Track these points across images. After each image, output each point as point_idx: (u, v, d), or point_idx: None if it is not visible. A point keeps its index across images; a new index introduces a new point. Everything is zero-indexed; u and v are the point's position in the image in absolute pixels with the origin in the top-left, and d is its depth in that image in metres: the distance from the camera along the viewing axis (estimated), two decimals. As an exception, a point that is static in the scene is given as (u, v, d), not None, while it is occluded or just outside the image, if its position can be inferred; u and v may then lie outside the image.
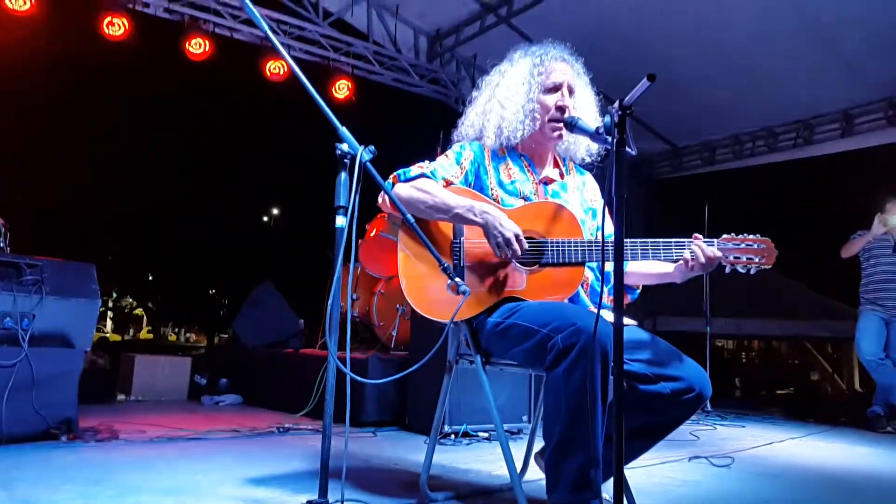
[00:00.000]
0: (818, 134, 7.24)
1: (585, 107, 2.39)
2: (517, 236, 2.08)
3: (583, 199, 2.46)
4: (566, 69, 2.36)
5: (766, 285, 9.22)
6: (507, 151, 2.39)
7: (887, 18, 5.39)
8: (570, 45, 2.45)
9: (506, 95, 2.37)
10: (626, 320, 1.92)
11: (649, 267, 2.29)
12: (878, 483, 3.31)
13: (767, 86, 6.65)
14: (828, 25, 5.64)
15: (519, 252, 2.09)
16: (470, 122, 2.46)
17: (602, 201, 2.41)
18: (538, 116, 2.31)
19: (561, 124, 2.29)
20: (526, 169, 2.38)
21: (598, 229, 2.38)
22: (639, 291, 2.41)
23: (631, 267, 2.30)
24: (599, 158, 2.46)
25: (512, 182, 2.32)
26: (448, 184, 2.27)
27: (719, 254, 2.08)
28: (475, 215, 2.12)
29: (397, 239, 2.27)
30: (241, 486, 2.55)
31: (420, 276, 2.21)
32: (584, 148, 2.46)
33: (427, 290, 2.20)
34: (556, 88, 2.32)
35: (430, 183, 2.22)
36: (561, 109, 2.30)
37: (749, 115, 7.42)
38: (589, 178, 2.56)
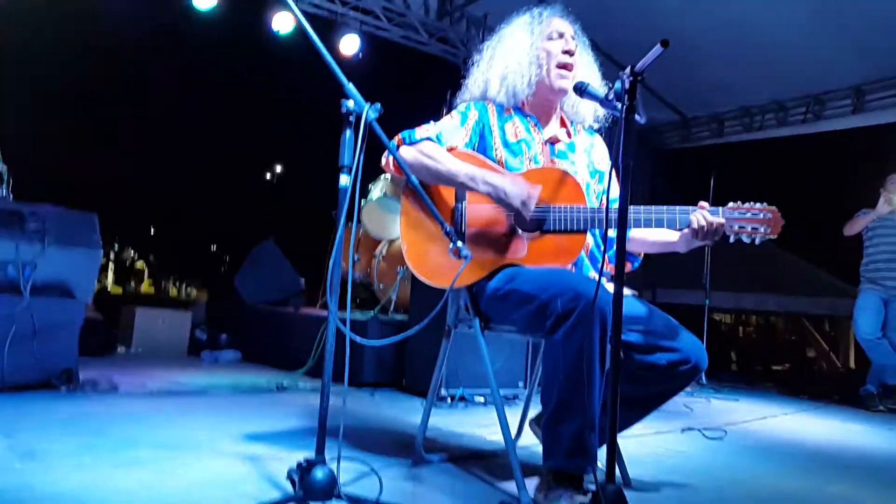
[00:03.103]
0: (829, 109, 7.14)
1: (587, 69, 2.38)
2: (524, 203, 2.07)
3: (590, 160, 2.44)
4: (566, 24, 2.37)
5: (766, 260, 9.20)
6: (514, 110, 2.37)
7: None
8: (579, 6, 2.43)
9: (508, 48, 2.36)
10: (625, 290, 1.91)
11: (653, 235, 2.28)
12: (868, 460, 3.34)
13: (778, 59, 6.53)
14: (840, 0, 5.52)
15: (532, 207, 2.08)
16: (473, 80, 2.45)
17: (609, 165, 2.39)
18: (543, 63, 2.30)
19: (567, 70, 2.27)
20: (532, 129, 2.35)
21: (603, 193, 2.37)
22: (640, 259, 2.40)
23: (634, 234, 2.29)
24: (607, 123, 2.44)
25: (518, 142, 2.30)
26: (452, 148, 2.25)
27: (724, 222, 2.06)
28: (478, 184, 2.11)
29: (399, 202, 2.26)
30: (239, 441, 2.58)
31: (421, 240, 2.20)
32: (592, 114, 2.44)
33: (428, 254, 2.19)
34: (559, 36, 2.32)
35: (435, 148, 2.20)
36: (568, 53, 2.30)
37: (759, 87, 7.31)
38: (598, 139, 2.53)
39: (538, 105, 2.38)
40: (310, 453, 1.88)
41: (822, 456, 3.31)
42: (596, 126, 2.48)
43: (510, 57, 2.34)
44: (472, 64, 2.49)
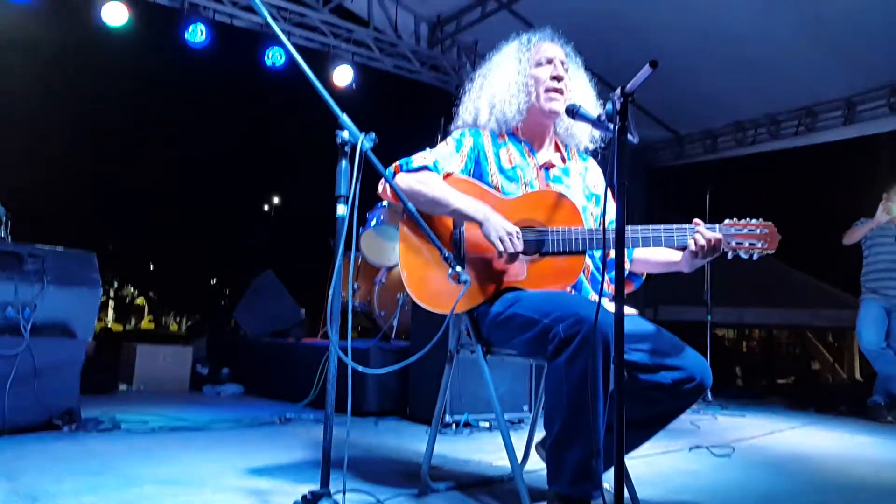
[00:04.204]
0: (820, 121, 7.18)
1: (582, 90, 2.39)
2: (517, 234, 2.08)
3: (585, 184, 2.45)
4: (556, 48, 2.38)
5: (767, 274, 9.20)
6: (508, 136, 2.39)
7: (888, 6, 5.35)
8: (568, 30, 2.45)
9: (497, 77, 2.38)
10: (627, 310, 1.91)
11: (657, 255, 2.28)
12: (879, 472, 3.31)
13: (769, 73, 6.60)
14: (828, 14, 5.60)
15: (520, 248, 2.08)
16: (464, 108, 2.48)
17: (605, 186, 2.40)
18: (532, 90, 2.31)
19: (557, 94, 2.28)
20: (526, 154, 2.37)
21: (600, 215, 2.37)
22: (642, 279, 2.40)
23: (638, 254, 2.29)
24: (603, 145, 2.45)
25: (513, 167, 2.31)
26: (448, 174, 2.26)
27: (721, 238, 2.06)
28: (473, 213, 2.12)
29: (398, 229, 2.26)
30: (243, 476, 2.56)
31: (421, 267, 2.21)
32: (588, 135, 2.45)
33: (428, 281, 2.19)
34: (548, 62, 2.33)
35: (431, 176, 2.21)
36: (556, 78, 2.31)
37: (751, 102, 7.37)
38: (592, 163, 2.54)
39: (531, 130, 2.40)
40: (314, 485, 1.86)
41: (832, 469, 3.28)
42: (592, 147, 2.49)
43: (499, 85, 2.36)
44: (464, 92, 2.52)
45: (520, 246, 2.09)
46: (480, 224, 2.11)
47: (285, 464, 2.82)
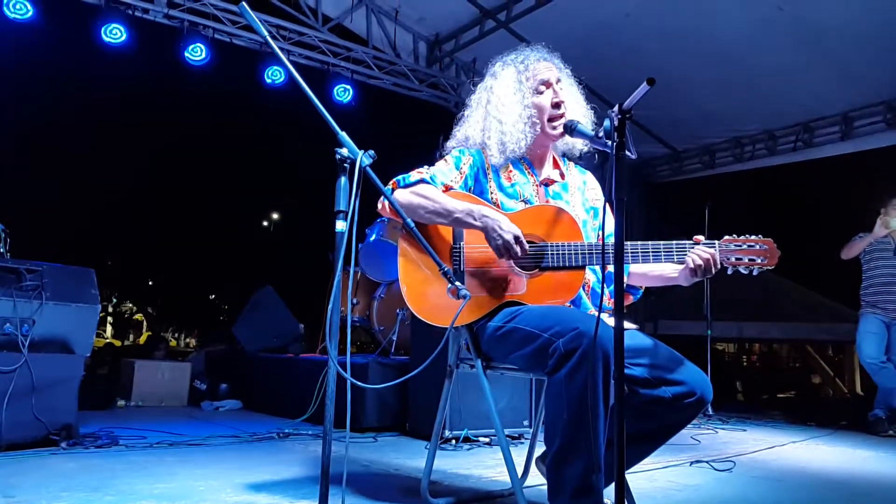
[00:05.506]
0: (818, 137, 7.23)
1: (573, 99, 2.39)
2: (517, 238, 2.08)
3: (584, 198, 2.47)
4: (549, 66, 2.37)
5: (766, 288, 9.20)
6: None
7: (884, 22, 5.40)
8: (566, 48, 2.46)
9: (500, 109, 2.34)
10: (627, 324, 1.91)
11: (655, 269, 2.29)
12: (879, 487, 3.30)
13: (766, 89, 6.65)
14: (825, 30, 5.65)
15: (520, 253, 2.09)
16: (464, 136, 2.43)
17: (603, 200, 2.41)
18: (537, 120, 2.31)
19: (560, 121, 2.29)
20: (526, 171, 2.38)
21: (598, 229, 2.38)
22: (641, 292, 2.40)
23: (636, 268, 2.30)
24: (594, 153, 2.45)
25: (512, 185, 2.33)
26: (447, 188, 2.27)
27: (720, 256, 2.07)
28: (474, 219, 2.12)
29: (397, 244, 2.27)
30: (242, 491, 2.55)
31: (420, 281, 2.21)
32: (581, 142, 2.45)
33: (427, 295, 2.20)
34: (546, 86, 2.33)
35: (429, 188, 2.22)
36: (557, 105, 2.32)
37: (748, 118, 7.42)
38: (590, 176, 2.56)
39: (532, 151, 2.39)
40: (313, 501, 1.85)
41: (833, 484, 3.27)
42: (586, 150, 2.47)
43: (504, 120, 2.31)
44: (464, 118, 2.48)
45: (520, 251, 2.09)
46: (481, 230, 2.12)
47: (284, 479, 2.81)
